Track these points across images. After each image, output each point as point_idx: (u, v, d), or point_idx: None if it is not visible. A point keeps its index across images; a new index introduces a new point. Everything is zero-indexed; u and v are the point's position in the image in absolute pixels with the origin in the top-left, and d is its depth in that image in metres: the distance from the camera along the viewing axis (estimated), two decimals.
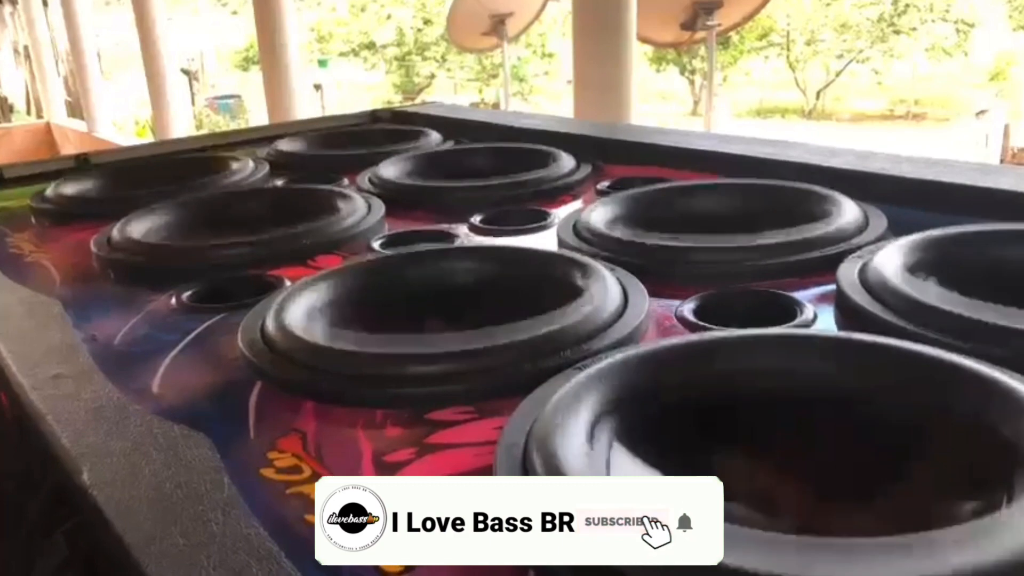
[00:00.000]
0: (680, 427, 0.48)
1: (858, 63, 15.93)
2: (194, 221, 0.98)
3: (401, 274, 0.72)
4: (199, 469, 0.48)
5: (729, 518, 0.42)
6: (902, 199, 0.88)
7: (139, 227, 0.92)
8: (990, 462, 0.43)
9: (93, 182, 1.20)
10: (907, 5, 15.27)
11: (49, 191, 1.14)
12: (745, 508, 0.44)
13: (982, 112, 11.05)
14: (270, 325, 0.62)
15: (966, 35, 15.50)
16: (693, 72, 15.74)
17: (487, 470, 0.44)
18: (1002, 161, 9.06)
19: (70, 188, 1.15)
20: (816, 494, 0.46)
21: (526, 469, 0.43)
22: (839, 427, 0.49)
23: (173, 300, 0.78)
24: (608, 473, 0.44)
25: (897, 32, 15.47)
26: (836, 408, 0.49)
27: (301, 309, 0.64)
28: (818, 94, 16.23)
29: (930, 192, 0.88)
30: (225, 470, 0.48)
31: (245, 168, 1.21)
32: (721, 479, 0.46)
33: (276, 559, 0.40)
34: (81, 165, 1.34)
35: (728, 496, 0.45)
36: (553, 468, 0.41)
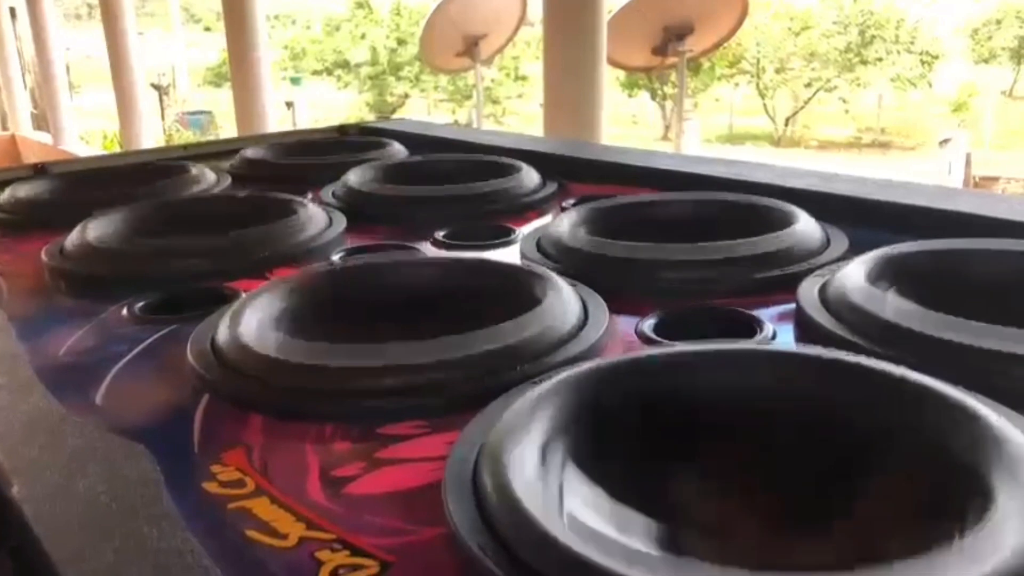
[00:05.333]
0: (634, 443, 0.47)
1: (826, 91, 16.26)
2: (150, 232, 0.96)
3: (356, 286, 0.71)
4: (137, 483, 0.46)
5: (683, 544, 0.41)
6: (864, 220, 0.88)
7: (92, 237, 0.90)
8: (944, 479, 0.42)
9: (46, 191, 1.17)
10: (873, 36, 15.63)
11: (0, 199, 1.12)
12: (698, 531, 0.43)
13: (945, 141, 11.29)
14: (219, 336, 0.60)
15: (930, 66, 15.88)
16: (664, 97, 15.94)
17: (437, 486, 0.43)
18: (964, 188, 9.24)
19: (22, 196, 1.12)
20: (772, 517, 0.45)
21: (476, 485, 0.42)
22: (796, 445, 0.48)
23: (124, 311, 0.76)
24: (561, 491, 0.43)
25: (864, 62, 15.82)
26: (794, 426, 0.48)
27: (251, 320, 0.62)
28: (787, 121, 16.51)
29: (891, 213, 0.89)
30: (164, 484, 0.46)
31: (205, 179, 1.19)
32: (674, 498, 0.46)
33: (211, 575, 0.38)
34: (38, 175, 1.31)
35: (681, 518, 0.44)
36: (503, 485, 0.40)
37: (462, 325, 0.57)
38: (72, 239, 0.89)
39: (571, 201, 1.08)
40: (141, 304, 0.76)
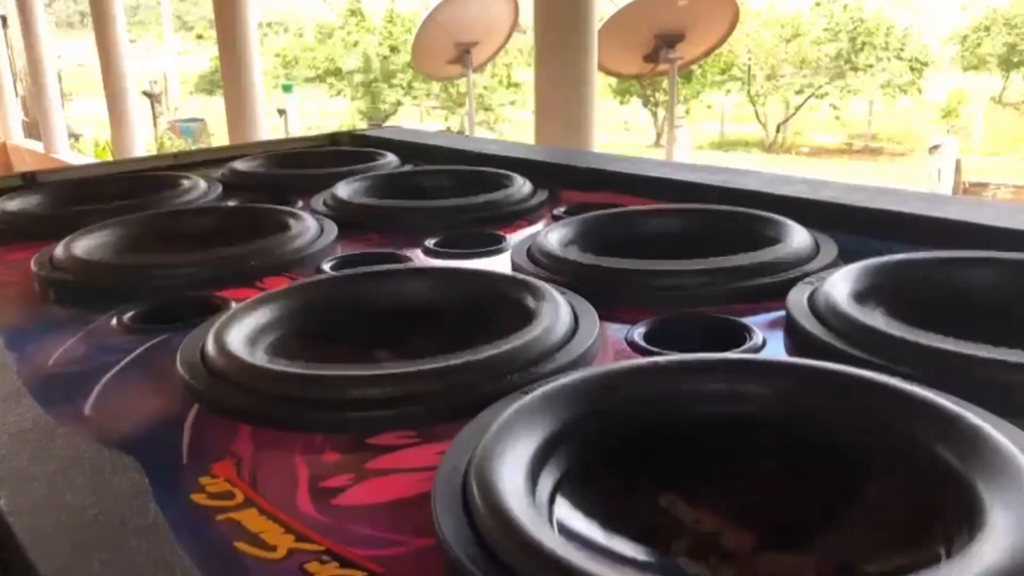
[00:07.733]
0: (623, 452, 0.47)
1: (817, 98, 16.32)
2: (141, 241, 0.96)
3: (346, 295, 0.71)
4: (125, 494, 0.46)
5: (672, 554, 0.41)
6: (853, 227, 0.88)
7: (82, 246, 0.89)
8: (935, 489, 0.42)
9: (36, 200, 1.16)
10: (863, 43, 15.70)
11: None
12: (688, 543, 0.43)
13: (935, 147, 11.34)
14: (209, 346, 0.60)
15: (920, 73, 15.97)
16: (656, 104, 15.99)
17: (426, 496, 0.43)
18: (954, 195, 9.28)
19: (12, 206, 1.11)
20: (766, 532, 0.45)
21: (465, 496, 0.42)
22: (790, 456, 0.48)
23: (114, 321, 0.75)
24: (550, 501, 0.43)
25: (854, 69, 15.88)
26: (788, 435, 0.48)
27: (241, 331, 0.62)
28: (778, 128, 16.55)
29: (880, 220, 0.89)
30: (153, 496, 0.46)
31: (197, 188, 1.19)
32: (664, 509, 0.46)
33: None
34: (27, 184, 1.31)
35: (671, 530, 0.44)
36: (492, 496, 0.40)
37: (453, 334, 0.57)
38: (62, 249, 0.89)
39: (562, 209, 1.08)
40: (130, 314, 0.76)
